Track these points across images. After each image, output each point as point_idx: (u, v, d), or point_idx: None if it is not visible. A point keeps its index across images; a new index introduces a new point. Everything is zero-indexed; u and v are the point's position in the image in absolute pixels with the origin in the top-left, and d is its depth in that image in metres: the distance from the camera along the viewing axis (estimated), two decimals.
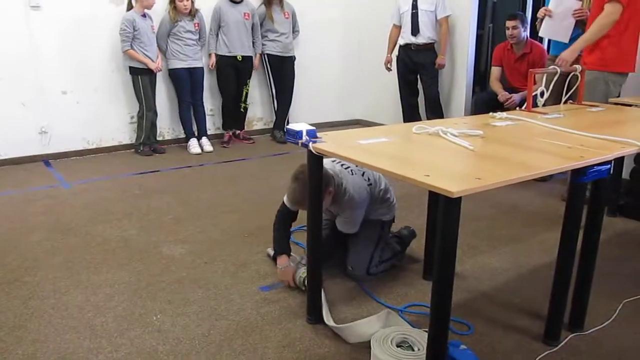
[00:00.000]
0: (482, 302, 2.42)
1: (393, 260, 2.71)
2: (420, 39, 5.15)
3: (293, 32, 5.79)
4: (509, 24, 4.44)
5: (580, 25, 3.79)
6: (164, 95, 5.40)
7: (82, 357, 2.01)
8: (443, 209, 1.51)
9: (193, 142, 5.35)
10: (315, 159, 2.03)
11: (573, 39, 3.82)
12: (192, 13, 5.08)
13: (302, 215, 2.39)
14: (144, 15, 4.88)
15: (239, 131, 5.77)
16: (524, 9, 5.39)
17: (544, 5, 4.06)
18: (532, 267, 2.79)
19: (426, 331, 1.73)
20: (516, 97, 4.46)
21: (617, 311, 2.32)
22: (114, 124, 5.23)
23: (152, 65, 4.92)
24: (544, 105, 2.95)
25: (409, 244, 2.87)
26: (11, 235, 3.19)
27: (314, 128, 2.02)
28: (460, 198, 1.44)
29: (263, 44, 5.61)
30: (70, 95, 4.95)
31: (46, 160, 4.92)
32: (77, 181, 4.31)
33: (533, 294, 2.48)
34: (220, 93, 5.59)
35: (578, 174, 1.86)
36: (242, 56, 5.37)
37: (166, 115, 5.48)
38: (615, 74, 3.39)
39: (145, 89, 4.98)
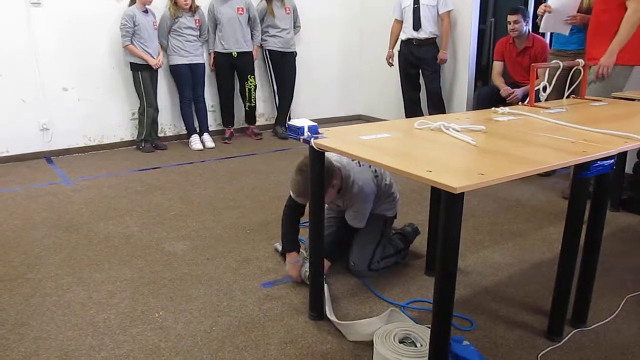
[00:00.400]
0: (485, 298, 2.42)
1: (395, 257, 2.71)
2: (422, 34, 5.14)
3: (294, 27, 5.78)
4: (510, 18, 4.42)
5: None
6: (165, 92, 5.40)
7: (84, 354, 2.01)
8: (445, 205, 1.50)
9: (195, 138, 5.35)
10: (317, 155, 2.02)
11: (573, 33, 3.81)
12: (193, 9, 5.07)
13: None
14: (146, 11, 4.87)
15: (250, 126, 5.76)
16: (525, 3, 5.37)
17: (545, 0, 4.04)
18: (535, 262, 2.78)
19: (429, 327, 1.73)
20: (518, 91, 4.44)
21: (620, 306, 2.31)
22: (116, 121, 5.23)
23: (152, 62, 4.91)
24: (546, 99, 2.94)
25: (412, 241, 2.86)
26: (14, 232, 3.19)
27: (316, 124, 2.01)
28: (462, 194, 1.44)
29: (264, 40, 5.59)
30: (71, 92, 4.94)
31: (48, 157, 4.93)
32: (79, 178, 4.31)
33: (536, 290, 2.48)
34: (218, 90, 5.58)
35: (581, 169, 1.85)
36: (238, 52, 5.34)
37: (167, 112, 5.47)
38: (624, 67, 3.39)
39: (145, 85, 4.97)
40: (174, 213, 3.49)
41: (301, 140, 1.99)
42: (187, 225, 3.29)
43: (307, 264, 2.48)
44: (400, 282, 2.56)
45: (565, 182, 3.97)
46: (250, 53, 5.46)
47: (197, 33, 5.17)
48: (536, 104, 2.76)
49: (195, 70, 5.24)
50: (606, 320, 2.21)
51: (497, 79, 4.67)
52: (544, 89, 2.87)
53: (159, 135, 5.37)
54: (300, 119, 2.05)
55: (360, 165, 2.53)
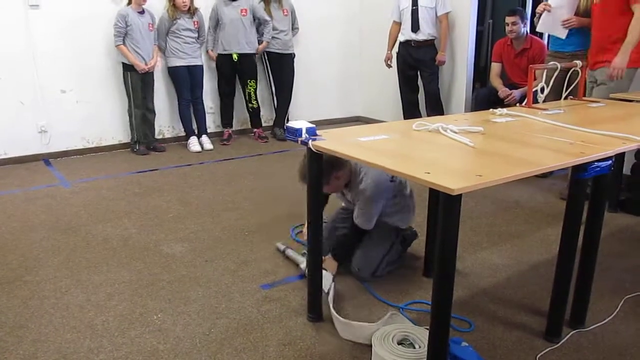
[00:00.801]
0: (483, 299, 2.42)
1: (397, 263, 2.70)
2: (421, 36, 5.14)
3: (292, 29, 5.79)
4: (508, 19, 4.43)
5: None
6: (163, 93, 5.40)
7: (82, 357, 2.01)
8: (443, 206, 1.50)
9: (193, 140, 5.34)
10: (315, 157, 2.02)
11: (571, 35, 3.81)
12: (192, 11, 5.07)
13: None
14: (142, 12, 4.86)
15: (255, 130, 5.76)
16: (523, 5, 5.37)
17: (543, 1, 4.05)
18: (533, 263, 2.78)
19: (427, 329, 1.73)
20: (516, 93, 4.44)
21: (619, 307, 2.32)
22: (114, 123, 5.23)
23: (140, 66, 4.86)
24: (544, 101, 2.94)
25: (410, 245, 2.86)
26: (12, 235, 3.19)
27: (314, 126, 2.01)
28: (460, 195, 1.44)
29: (262, 42, 5.59)
30: (69, 94, 4.94)
31: (46, 159, 4.92)
32: (77, 180, 4.31)
33: (534, 291, 2.48)
34: (218, 90, 5.58)
35: (579, 170, 1.86)
36: (239, 54, 5.33)
37: (166, 114, 5.47)
38: (629, 69, 3.41)
39: (134, 86, 4.95)
40: (173, 215, 3.49)
41: (299, 142, 1.99)
42: (185, 227, 3.28)
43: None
44: (399, 283, 2.56)
45: (563, 183, 3.98)
46: (252, 56, 5.45)
47: (196, 35, 5.17)
48: (534, 105, 2.76)
49: (193, 72, 5.24)
50: (604, 321, 2.22)
51: (495, 81, 4.67)
52: (542, 90, 2.87)
53: (157, 137, 5.37)
54: (298, 121, 2.06)
55: None
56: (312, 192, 2.11)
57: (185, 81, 5.21)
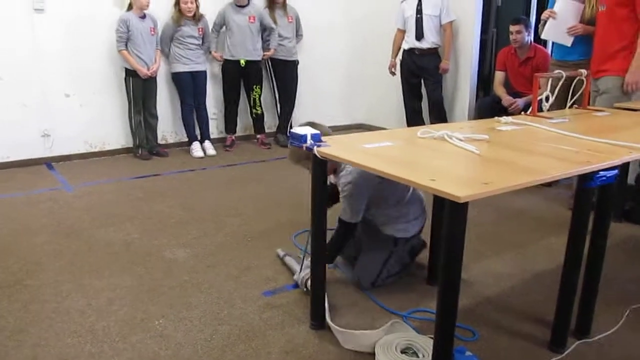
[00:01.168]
0: (487, 308, 2.40)
1: (400, 273, 2.67)
2: (425, 44, 5.15)
3: (296, 36, 5.80)
4: (512, 28, 4.43)
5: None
6: (166, 99, 5.40)
7: None
8: (449, 214, 1.49)
9: (196, 145, 5.34)
10: (320, 163, 2.01)
11: (575, 43, 3.81)
12: (197, 17, 5.08)
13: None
14: (143, 17, 4.87)
15: (259, 136, 5.76)
16: (527, 14, 5.38)
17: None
18: (537, 272, 2.77)
19: (431, 337, 1.71)
20: (520, 101, 4.44)
21: (624, 317, 2.30)
22: (117, 127, 5.22)
23: (142, 72, 4.87)
24: (548, 109, 2.93)
25: (418, 254, 2.83)
26: (13, 238, 3.18)
27: (318, 132, 2.00)
28: (467, 203, 1.43)
29: (267, 49, 5.60)
30: (73, 98, 4.95)
31: (49, 163, 4.92)
32: (80, 184, 4.30)
33: (539, 300, 2.46)
34: (223, 96, 5.59)
35: (585, 179, 1.85)
36: (246, 61, 5.34)
37: (169, 119, 5.48)
38: None
39: (135, 92, 4.95)
40: (175, 220, 3.48)
41: (304, 148, 1.99)
42: (187, 232, 3.27)
43: (308, 270, 2.48)
44: (402, 291, 2.54)
45: (568, 192, 3.96)
46: (258, 62, 5.46)
47: (200, 42, 5.18)
48: (539, 114, 2.76)
49: (197, 78, 5.24)
50: (610, 332, 2.20)
51: (499, 89, 4.67)
52: (547, 99, 2.87)
53: (160, 142, 5.37)
54: (303, 127, 2.05)
55: None
56: (316, 200, 2.10)
57: (188, 87, 5.22)
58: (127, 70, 4.92)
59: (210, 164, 4.99)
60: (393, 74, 5.54)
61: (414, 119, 5.50)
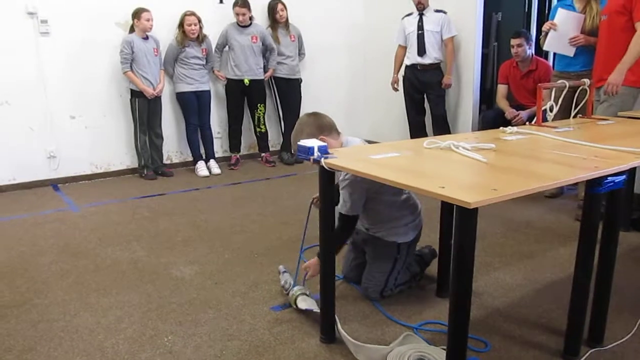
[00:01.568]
0: (498, 319, 2.38)
1: (410, 283, 2.66)
2: (427, 59, 5.19)
3: (299, 54, 5.85)
4: (513, 42, 4.47)
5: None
6: (171, 119, 5.44)
7: None
8: (459, 221, 1.49)
9: (201, 164, 5.36)
10: (327, 175, 2.02)
11: (576, 54, 3.83)
12: (200, 38, 5.14)
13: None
14: (146, 38, 4.93)
15: (263, 154, 5.78)
16: (528, 27, 5.42)
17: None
18: (546, 282, 2.74)
19: (444, 349, 1.70)
20: (523, 114, 4.45)
21: (637, 325, 2.27)
22: (122, 148, 5.26)
23: (148, 92, 4.92)
24: (553, 120, 2.94)
25: (429, 264, 2.82)
26: (21, 258, 3.18)
27: (325, 144, 2.01)
28: (476, 209, 1.42)
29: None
30: (78, 119, 4.99)
31: (55, 184, 4.94)
32: (86, 204, 4.31)
33: (549, 310, 2.44)
34: (227, 115, 5.62)
35: (593, 185, 1.84)
36: (250, 80, 5.38)
37: (174, 139, 5.51)
38: (633, 88, 3.42)
39: (141, 112, 5.00)
40: (181, 238, 3.48)
41: (311, 160, 1.99)
42: (194, 250, 3.27)
43: (296, 288, 2.46)
44: (412, 303, 2.52)
45: (573, 203, 3.95)
46: (261, 81, 5.51)
47: (204, 62, 5.24)
48: (543, 123, 2.76)
49: (201, 98, 5.29)
50: (623, 340, 2.17)
51: (502, 102, 4.69)
52: (551, 109, 2.87)
53: (165, 162, 5.39)
54: (309, 140, 2.06)
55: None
56: (324, 212, 2.10)
57: (192, 106, 5.26)
58: (132, 91, 4.96)
59: (215, 183, 5.00)
60: (396, 89, 5.57)
61: (417, 133, 5.51)
